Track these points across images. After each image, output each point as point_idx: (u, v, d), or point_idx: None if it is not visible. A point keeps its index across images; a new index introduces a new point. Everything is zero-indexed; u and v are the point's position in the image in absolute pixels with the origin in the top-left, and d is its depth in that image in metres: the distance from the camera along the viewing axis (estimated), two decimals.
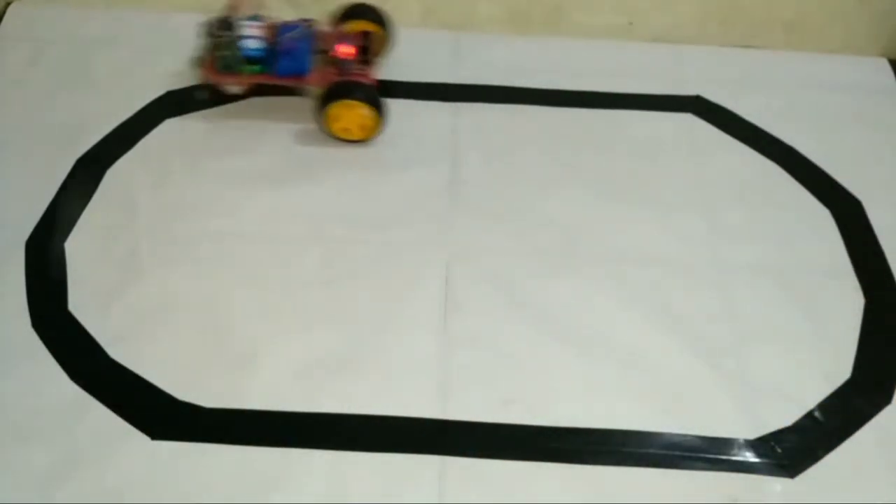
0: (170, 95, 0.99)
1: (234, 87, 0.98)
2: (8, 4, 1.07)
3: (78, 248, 0.86)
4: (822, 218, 0.94)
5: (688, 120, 1.03)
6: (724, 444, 0.77)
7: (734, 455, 0.76)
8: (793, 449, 0.77)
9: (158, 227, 0.88)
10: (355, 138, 0.96)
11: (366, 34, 0.97)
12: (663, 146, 1.00)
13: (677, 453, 0.76)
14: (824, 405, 0.80)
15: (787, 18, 1.10)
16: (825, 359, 0.83)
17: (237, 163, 0.94)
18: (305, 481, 0.73)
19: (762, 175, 0.98)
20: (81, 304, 0.82)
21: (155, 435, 0.74)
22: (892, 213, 0.95)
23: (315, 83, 0.95)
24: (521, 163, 0.97)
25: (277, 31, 0.95)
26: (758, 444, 0.77)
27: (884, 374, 0.82)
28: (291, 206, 0.91)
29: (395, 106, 0.96)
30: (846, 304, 0.87)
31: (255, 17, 0.93)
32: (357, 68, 0.95)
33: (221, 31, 0.93)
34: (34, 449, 0.73)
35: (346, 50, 0.94)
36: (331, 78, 0.94)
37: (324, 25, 0.98)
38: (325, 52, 0.96)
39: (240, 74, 0.94)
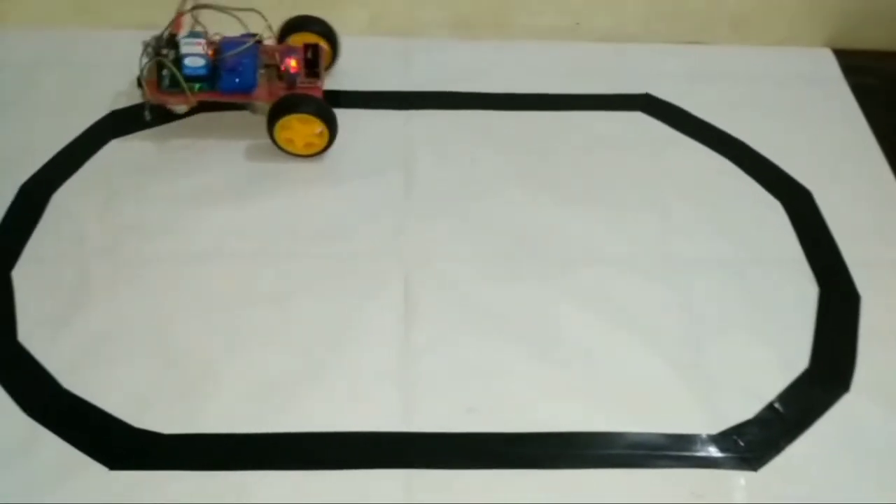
0: (114, 115, 0.98)
1: (179, 106, 0.96)
2: None
3: (25, 276, 0.84)
4: (773, 210, 0.95)
5: (637, 118, 1.03)
6: (687, 440, 0.77)
7: (698, 451, 0.76)
8: (755, 441, 0.77)
9: (107, 252, 0.86)
10: (300, 152, 0.95)
11: (312, 46, 0.96)
12: (614, 145, 1.00)
13: (641, 452, 0.76)
14: (784, 396, 0.80)
15: (732, 13, 1.11)
16: (782, 350, 0.83)
17: (185, 182, 0.92)
18: None
19: (713, 170, 0.99)
20: (31, 333, 0.80)
21: (113, 465, 0.72)
22: (842, 201, 0.96)
23: (262, 98, 0.94)
24: (475, 168, 0.97)
25: (221, 48, 0.94)
26: (720, 439, 0.77)
27: (841, 362, 0.83)
28: (242, 224, 0.89)
29: (345, 116, 0.95)
30: (800, 294, 0.88)
31: (197, 34, 0.91)
32: (305, 81, 0.94)
33: (164, 49, 0.91)
34: None
35: (292, 63, 0.93)
36: (278, 93, 0.93)
37: (269, 40, 0.97)
38: (271, 66, 0.95)
39: (184, 93, 0.93)
